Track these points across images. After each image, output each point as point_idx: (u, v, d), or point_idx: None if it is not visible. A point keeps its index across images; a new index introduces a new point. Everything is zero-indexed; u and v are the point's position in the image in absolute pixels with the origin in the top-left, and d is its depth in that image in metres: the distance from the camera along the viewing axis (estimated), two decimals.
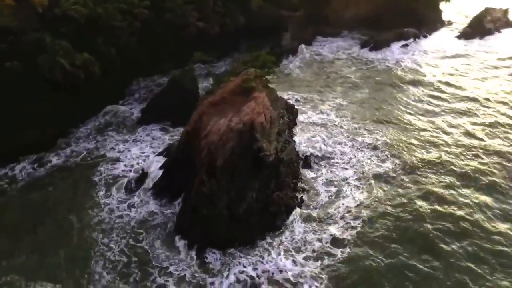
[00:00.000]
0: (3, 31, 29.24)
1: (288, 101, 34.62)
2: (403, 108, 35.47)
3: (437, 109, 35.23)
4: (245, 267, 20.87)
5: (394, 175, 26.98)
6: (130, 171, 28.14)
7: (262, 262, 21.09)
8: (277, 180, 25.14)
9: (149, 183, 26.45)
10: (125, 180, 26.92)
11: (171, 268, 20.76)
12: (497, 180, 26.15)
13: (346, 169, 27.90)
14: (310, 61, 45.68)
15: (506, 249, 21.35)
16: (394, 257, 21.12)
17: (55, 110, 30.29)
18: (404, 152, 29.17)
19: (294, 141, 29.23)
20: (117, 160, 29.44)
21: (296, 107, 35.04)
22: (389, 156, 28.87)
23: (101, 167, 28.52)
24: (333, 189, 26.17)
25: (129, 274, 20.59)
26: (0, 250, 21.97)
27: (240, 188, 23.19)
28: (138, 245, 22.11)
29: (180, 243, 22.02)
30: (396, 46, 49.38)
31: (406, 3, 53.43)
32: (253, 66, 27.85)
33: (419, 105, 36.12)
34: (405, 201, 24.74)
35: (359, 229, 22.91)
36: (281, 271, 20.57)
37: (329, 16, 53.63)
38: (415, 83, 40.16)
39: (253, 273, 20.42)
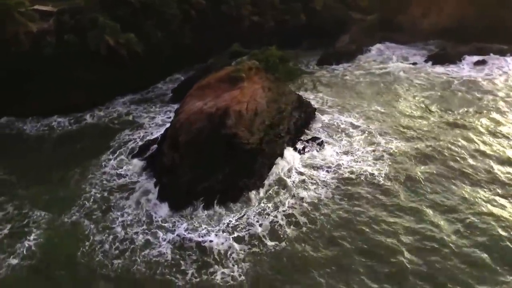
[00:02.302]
0: (74, 10, 35.69)
1: (308, 100, 35.22)
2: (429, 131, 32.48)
3: None
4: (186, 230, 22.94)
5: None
6: (143, 138, 32.07)
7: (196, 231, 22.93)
8: (250, 168, 26.37)
9: (148, 152, 29.97)
10: (131, 147, 30.83)
11: (124, 215, 24.15)
12: None
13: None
14: (362, 66, 44.39)
15: None
16: None
17: (101, 79, 35.72)
18: None
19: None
20: (141, 126, 33.66)
21: (319, 107, 35.45)
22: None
23: (123, 130, 33.06)
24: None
25: (93, 215, 24.55)
26: (15, 181, 27.75)
27: (207, 167, 25.20)
28: (110, 198, 25.73)
29: (142, 199, 25.13)
30: (468, 62, 44.77)
31: (498, 15, 47.85)
32: (256, 60, 29.22)
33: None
34: None
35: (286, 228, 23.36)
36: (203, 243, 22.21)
37: (403, 23, 50.85)
38: (470, 103, 36.21)
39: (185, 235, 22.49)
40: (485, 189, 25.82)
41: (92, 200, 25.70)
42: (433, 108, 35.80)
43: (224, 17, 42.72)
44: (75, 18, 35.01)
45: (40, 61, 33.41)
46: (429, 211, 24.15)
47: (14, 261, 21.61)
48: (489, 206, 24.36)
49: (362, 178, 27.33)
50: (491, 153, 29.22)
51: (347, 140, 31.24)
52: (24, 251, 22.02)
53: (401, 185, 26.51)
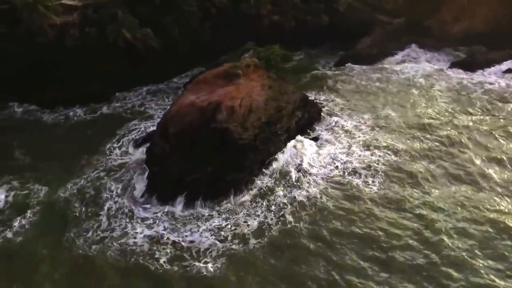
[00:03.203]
0: (98, 5, 37.68)
1: (316, 101, 35.10)
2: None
3: None
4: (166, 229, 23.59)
5: None
6: (148, 129, 33.33)
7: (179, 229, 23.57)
8: (241, 163, 26.78)
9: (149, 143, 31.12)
10: (136, 136, 32.14)
11: (112, 202, 25.42)
12: None
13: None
14: (382, 70, 43.27)
15: None
16: None
17: (118, 72, 37.41)
18: None
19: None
20: (150, 117, 35.00)
21: (328, 108, 35.23)
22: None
23: (133, 121, 34.55)
24: None
25: (86, 193, 26.22)
26: (28, 161, 29.94)
27: (197, 159, 25.91)
28: (103, 182, 27.10)
29: (132, 188, 26.22)
30: (496, 70, 42.38)
31: None
32: (258, 58, 29.51)
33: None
34: None
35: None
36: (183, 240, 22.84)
37: (432, 27, 48.98)
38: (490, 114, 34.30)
39: (160, 232, 23.18)
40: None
41: (88, 181, 27.36)
42: (446, 116, 34.39)
43: (244, 16, 43.18)
44: (98, 13, 36.86)
45: (62, 52, 35.55)
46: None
47: (9, 235, 23.38)
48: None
49: (356, 182, 27.02)
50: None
51: (348, 142, 30.83)
52: (18, 227, 23.70)
53: (392, 192, 25.95)
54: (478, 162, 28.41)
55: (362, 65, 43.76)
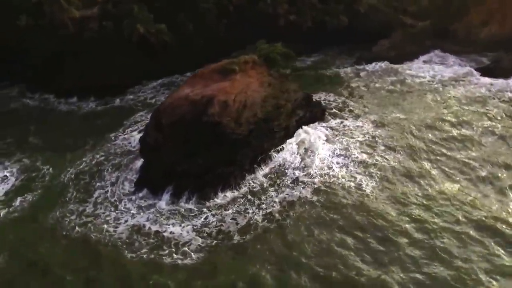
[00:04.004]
0: (118, 0, 39.31)
1: (322, 100, 34.93)
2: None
3: None
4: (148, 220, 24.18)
5: None
6: None
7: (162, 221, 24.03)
8: (232, 157, 27.10)
9: None
10: (140, 127, 33.30)
11: (103, 189, 26.61)
12: None
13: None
14: (398, 73, 42.21)
15: None
16: None
17: (133, 65, 38.86)
18: None
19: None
20: None
21: (335, 109, 35.00)
22: None
23: (141, 111, 35.82)
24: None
25: (82, 179, 27.51)
26: (40, 145, 31.92)
27: (189, 151, 26.52)
28: (100, 169, 28.42)
29: (124, 177, 27.22)
30: None
31: None
32: (259, 55, 29.70)
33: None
34: None
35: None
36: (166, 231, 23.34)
37: (458, 31, 47.11)
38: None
39: (143, 222, 23.84)
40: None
41: (88, 166, 28.78)
42: (457, 121, 33.08)
43: (261, 14, 43.46)
44: (117, 7, 38.42)
45: (80, 45, 37.42)
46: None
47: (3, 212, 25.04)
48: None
49: (348, 184, 26.62)
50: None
51: (347, 144, 30.40)
52: (17, 206, 25.36)
53: (386, 194, 25.41)
54: (486, 167, 27.22)
55: (378, 67, 42.85)
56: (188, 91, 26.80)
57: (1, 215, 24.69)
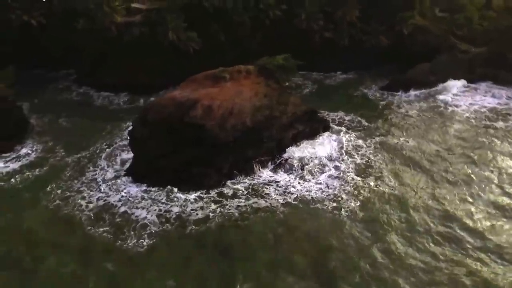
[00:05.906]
0: (160, 9, 42.87)
1: (338, 118, 34.42)
2: None
3: None
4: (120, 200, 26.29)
5: None
6: None
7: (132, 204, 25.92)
8: (211, 159, 27.98)
9: None
10: None
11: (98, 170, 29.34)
12: None
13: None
14: (432, 101, 39.32)
15: None
16: None
17: (164, 68, 41.91)
18: None
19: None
20: None
21: (346, 129, 34.15)
22: None
23: None
24: None
25: (81, 162, 30.48)
26: (67, 130, 35.90)
27: (172, 148, 28.08)
28: (101, 156, 31.15)
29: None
30: None
31: None
32: (257, 65, 30.26)
33: None
34: None
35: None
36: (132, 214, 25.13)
37: None
38: None
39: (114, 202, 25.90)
40: None
41: (93, 152, 31.72)
42: (473, 153, 30.30)
43: (296, 29, 43.93)
44: (156, 16, 41.87)
45: (120, 46, 41.45)
46: None
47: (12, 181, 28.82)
48: None
49: (331, 205, 25.72)
50: None
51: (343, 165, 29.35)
52: (19, 179, 28.92)
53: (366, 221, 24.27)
54: None
55: (410, 92, 40.48)
56: (177, 93, 28.34)
57: (10, 184, 28.42)
